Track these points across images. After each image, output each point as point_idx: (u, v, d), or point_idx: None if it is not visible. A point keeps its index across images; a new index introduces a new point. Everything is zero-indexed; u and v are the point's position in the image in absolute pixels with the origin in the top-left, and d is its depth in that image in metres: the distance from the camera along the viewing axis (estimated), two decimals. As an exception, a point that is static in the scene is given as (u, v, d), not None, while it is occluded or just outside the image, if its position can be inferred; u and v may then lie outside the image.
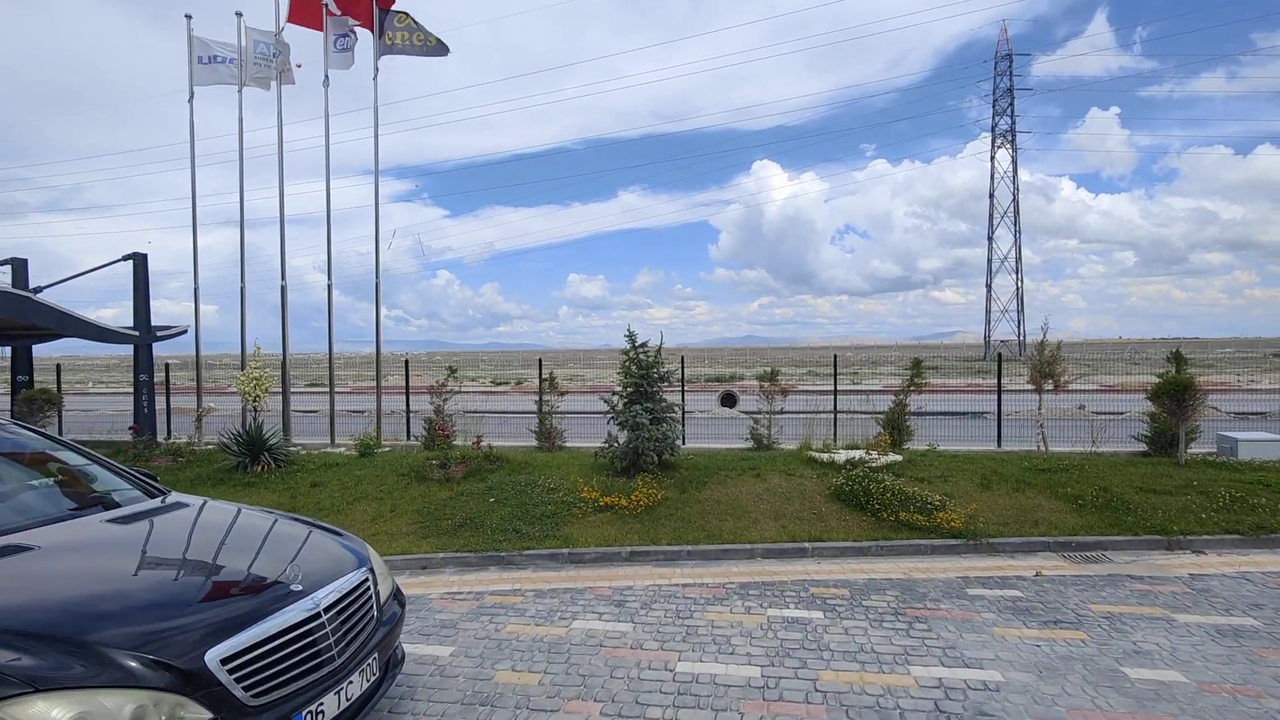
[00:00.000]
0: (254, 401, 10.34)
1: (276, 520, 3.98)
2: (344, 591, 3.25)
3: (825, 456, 9.33)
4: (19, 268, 14.91)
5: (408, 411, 14.54)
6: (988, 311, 62.95)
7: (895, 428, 11.81)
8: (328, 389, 14.61)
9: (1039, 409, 11.62)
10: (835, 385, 13.20)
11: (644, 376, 8.99)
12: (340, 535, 3.93)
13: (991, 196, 63.39)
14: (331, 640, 3.00)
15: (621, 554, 6.75)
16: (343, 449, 11.74)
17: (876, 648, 4.51)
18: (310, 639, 2.89)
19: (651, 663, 4.33)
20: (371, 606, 3.45)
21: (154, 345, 14.85)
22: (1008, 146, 63.56)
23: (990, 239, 63.06)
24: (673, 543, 6.98)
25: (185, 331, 15.82)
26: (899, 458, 9.40)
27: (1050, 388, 11.15)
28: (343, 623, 3.14)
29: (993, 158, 63.88)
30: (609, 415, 8.98)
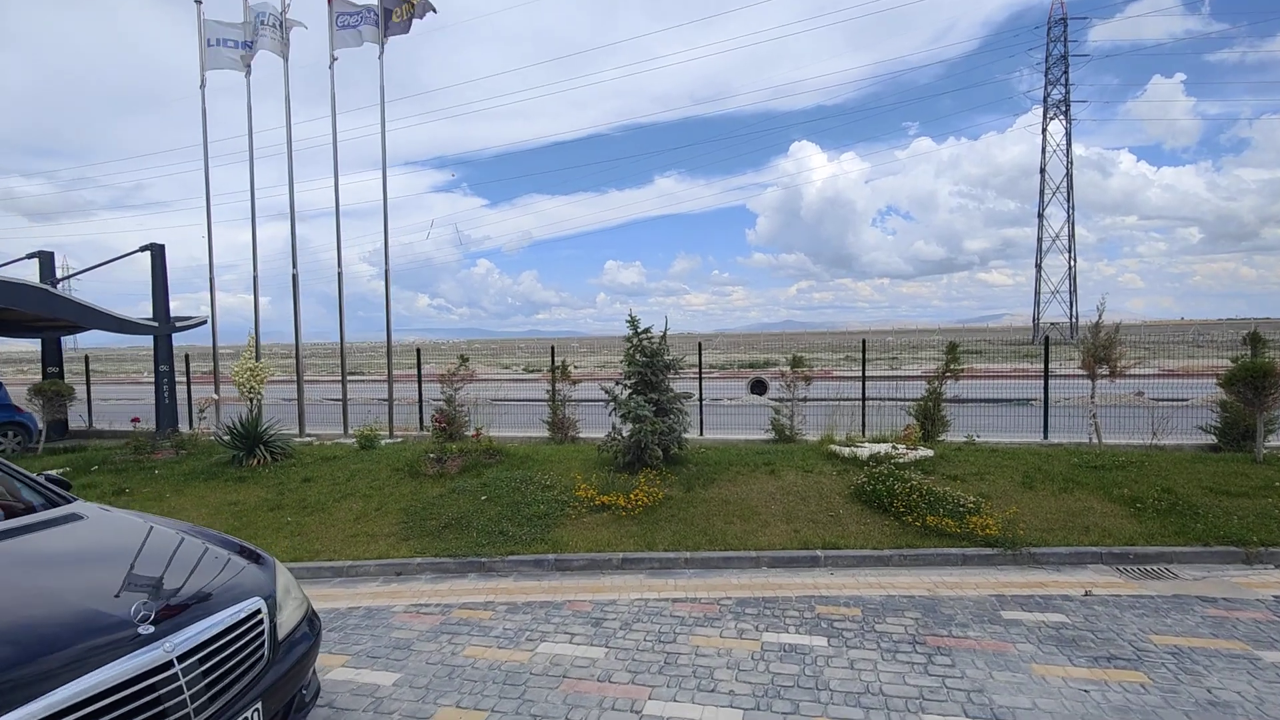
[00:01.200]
0: (249, 393, 10.02)
1: (182, 539, 3.45)
2: (218, 630, 2.69)
3: (847, 451, 8.53)
4: (46, 261, 15.02)
5: (420, 401, 14.18)
6: (1037, 293, 60.05)
7: (928, 418, 10.88)
8: (347, 378, 14.35)
9: (1092, 396, 10.55)
10: (864, 372, 12.30)
11: (648, 365, 8.32)
12: (247, 556, 3.39)
13: (1043, 172, 60.20)
14: (187, 696, 2.45)
15: (612, 561, 6.13)
16: (352, 440, 11.41)
17: (886, 688, 3.79)
18: (152, 698, 2.34)
19: (616, 701, 3.70)
20: (261, 644, 2.89)
21: (177, 336, 14.83)
22: (1061, 118, 60.19)
23: (1041, 217, 59.97)
24: (671, 548, 6.33)
25: (205, 321, 15.76)
26: (930, 452, 8.53)
27: (1105, 373, 10.07)
28: (209, 670, 2.59)
29: (1044, 130, 60.60)
30: (610, 406, 8.34)
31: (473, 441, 9.39)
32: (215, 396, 12.43)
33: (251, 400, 10.19)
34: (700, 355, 13.16)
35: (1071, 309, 58.43)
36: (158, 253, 14.81)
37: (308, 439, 13.12)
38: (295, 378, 14.27)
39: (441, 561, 6.15)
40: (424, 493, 7.88)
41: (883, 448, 8.70)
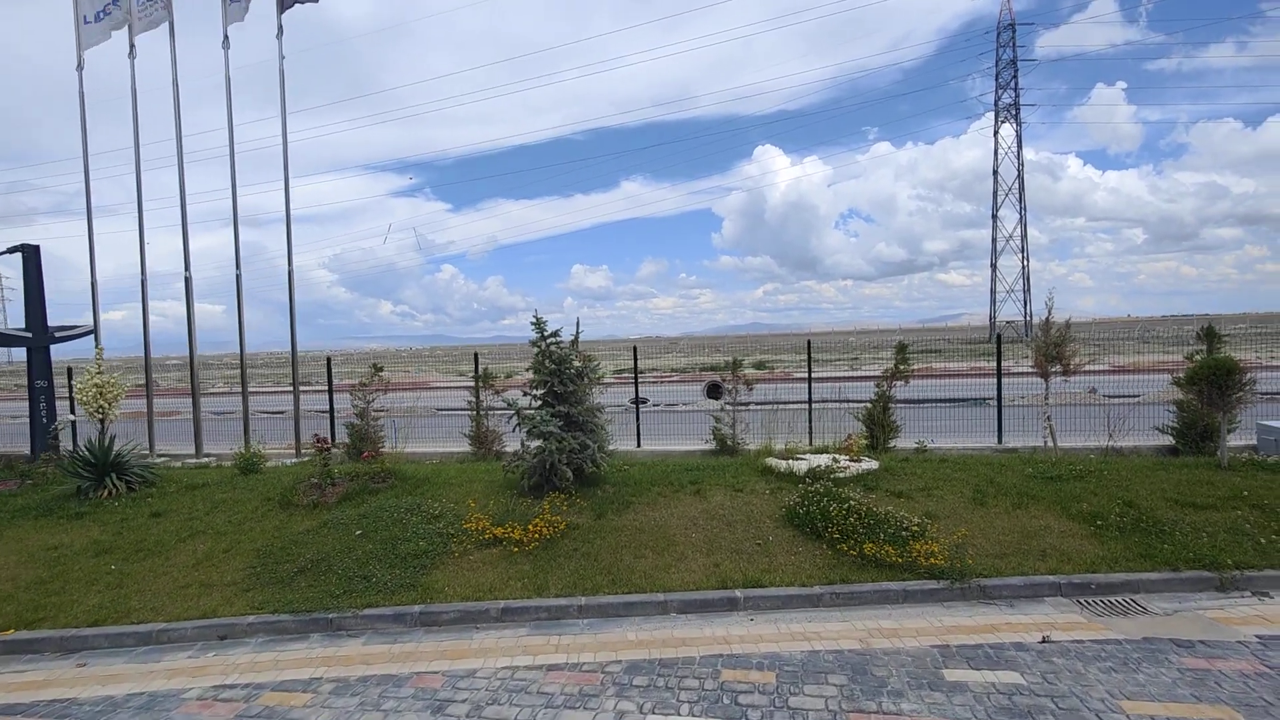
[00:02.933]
0: (97, 413, 8.70)
1: None
2: None
3: (784, 465, 7.63)
4: (31, 256, 12.84)
5: (331, 416, 12.90)
6: (993, 292, 60.80)
7: (876, 424, 10.12)
8: (240, 390, 12.98)
9: (1045, 397, 9.89)
10: (809, 375, 11.48)
11: (555, 373, 7.29)
12: None
13: (995, 174, 61.05)
14: None
15: (490, 612, 5.09)
16: (230, 463, 10.13)
17: (788, 807, 2.84)
18: None
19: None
20: None
21: (68, 347, 13.24)
22: (1012, 122, 61.13)
23: (994, 218, 60.78)
24: (564, 592, 5.32)
25: (91, 332, 14.19)
26: (874, 464, 7.69)
27: (1058, 371, 9.41)
28: None
29: (996, 133, 61.47)
30: (514, 420, 7.28)
31: (364, 463, 8.23)
32: (72, 416, 10.98)
33: (102, 422, 8.84)
34: (636, 359, 12.20)
35: (1026, 307, 59.24)
36: (30, 255, 13.15)
37: (205, 459, 11.79)
38: (192, 393, 12.86)
39: (279, 620, 5.02)
40: (290, 528, 6.72)
41: (824, 460, 7.83)
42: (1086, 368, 13.63)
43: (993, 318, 61.42)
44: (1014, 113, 61.35)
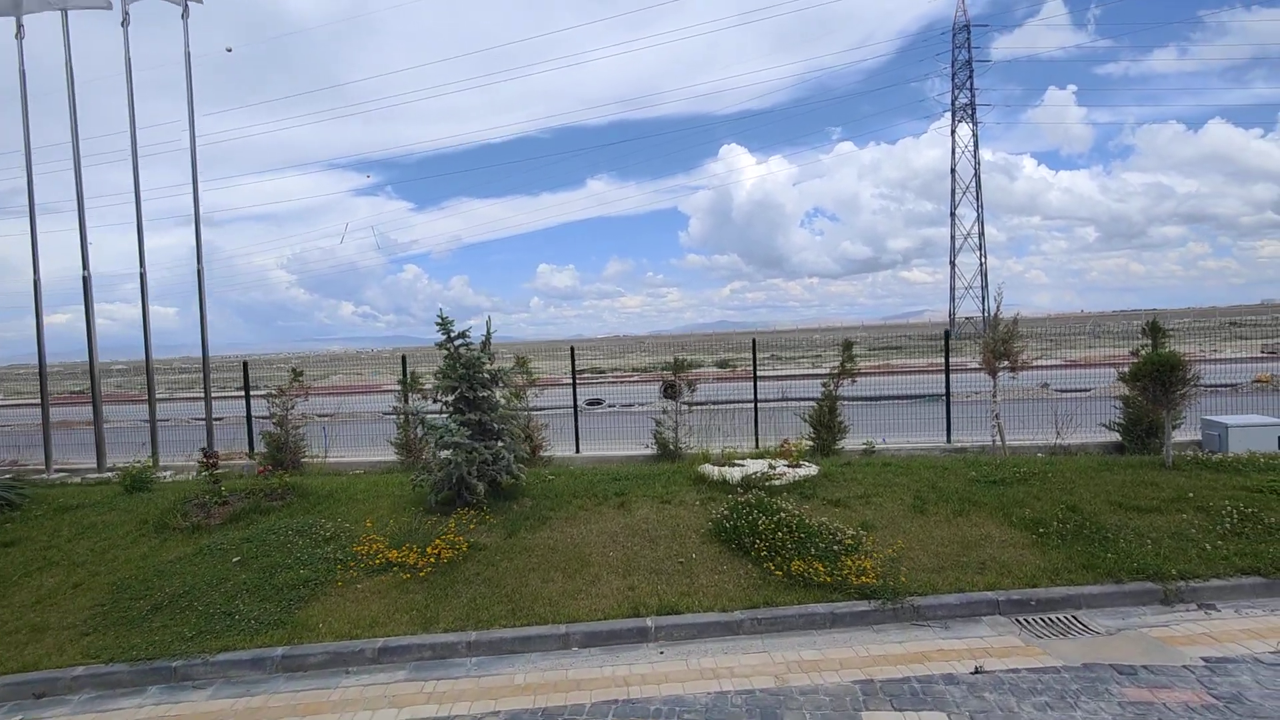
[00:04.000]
0: None
1: None
2: None
3: (718, 473, 7.13)
4: None
5: (249, 424, 11.99)
6: (952, 289, 61.63)
7: (823, 425, 9.71)
8: (149, 396, 12.00)
9: (994, 395, 9.59)
10: (754, 373, 11.02)
11: (464, 378, 6.66)
12: None
13: (953, 172, 61.84)
14: None
15: (366, 652, 4.46)
16: (112, 478, 9.24)
17: None
18: None
19: None
20: None
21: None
22: (968, 121, 62.02)
23: (953, 215, 61.61)
24: (455, 625, 4.71)
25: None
26: (813, 470, 7.24)
27: (1006, 367, 9.11)
28: None
29: (953, 132, 62.22)
30: (414, 426, 6.61)
31: (260, 479, 7.48)
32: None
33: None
34: (573, 360, 11.61)
35: (984, 304, 60.18)
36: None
37: (107, 474, 10.80)
38: (93, 400, 11.84)
39: (112, 671, 4.31)
40: (159, 556, 5.96)
41: (761, 466, 7.36)
42: (1038, 363, 13.54)
43: (952, 314, 62.37)
44: (970, 113, 62.23)
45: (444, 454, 6.49)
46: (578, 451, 10.98)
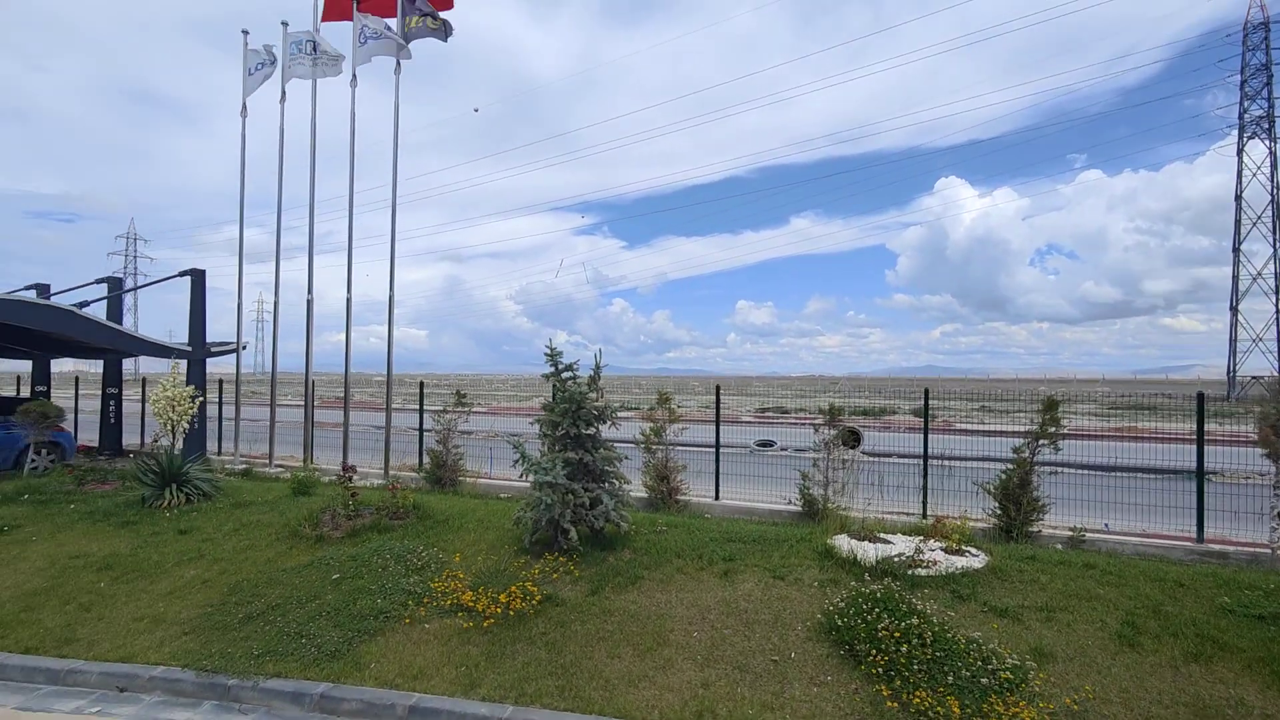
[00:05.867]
0: (167, 424, 9.11)
1: None
2: None
3: (847, 548, 5.88)
4: (198, 279, 14.95)
5: (420, 439, 12.87)
6: (1232, 341, 49.85)
7: (1010, 499, 7.85)
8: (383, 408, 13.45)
9: (1276, 486, 7.04)
10: (925, 425, 9.31)
11: (567, 413, 6.25)
12: None
13: (1239, 200, 50.48)
14: None
15: (398, 708, 4.09)
16: (283, 476, 10.22)
17: None
18: None
19: None
20: None
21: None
22: (1262, 137, 50.52)
23: (1236, 252, 50.13)
24: (496, 693, 4.19)
25: (246, 347, 15.71)
26: (979, 560, 5.68)
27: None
28: None
29: (1240, 152, 50.99)
30: (520, 466, 6.29)
31: (391, 495, 7.72)
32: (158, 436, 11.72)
33: (173, 432, 9.27)
34: (718, 400, 10.78)
35: (1280, 360, 47.85)
36: (198, 279, 14.87)
37: (277, 469, 12.19)
38: (305, 404, 13.56)
39: (181, 679, 4.42)
40: (281, 563, 6.28)
41: (912, 543, 5.97)
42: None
43: (1231, 371, 50.43)
44: (1267, 125, 50.66)
45: (537, 494, 6.11)
46: (717, 498, 10.12)
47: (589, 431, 6.31)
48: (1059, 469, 8.93)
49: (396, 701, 4.10)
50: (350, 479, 7.70)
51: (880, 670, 4.14)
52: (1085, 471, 10.35)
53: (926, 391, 9.48)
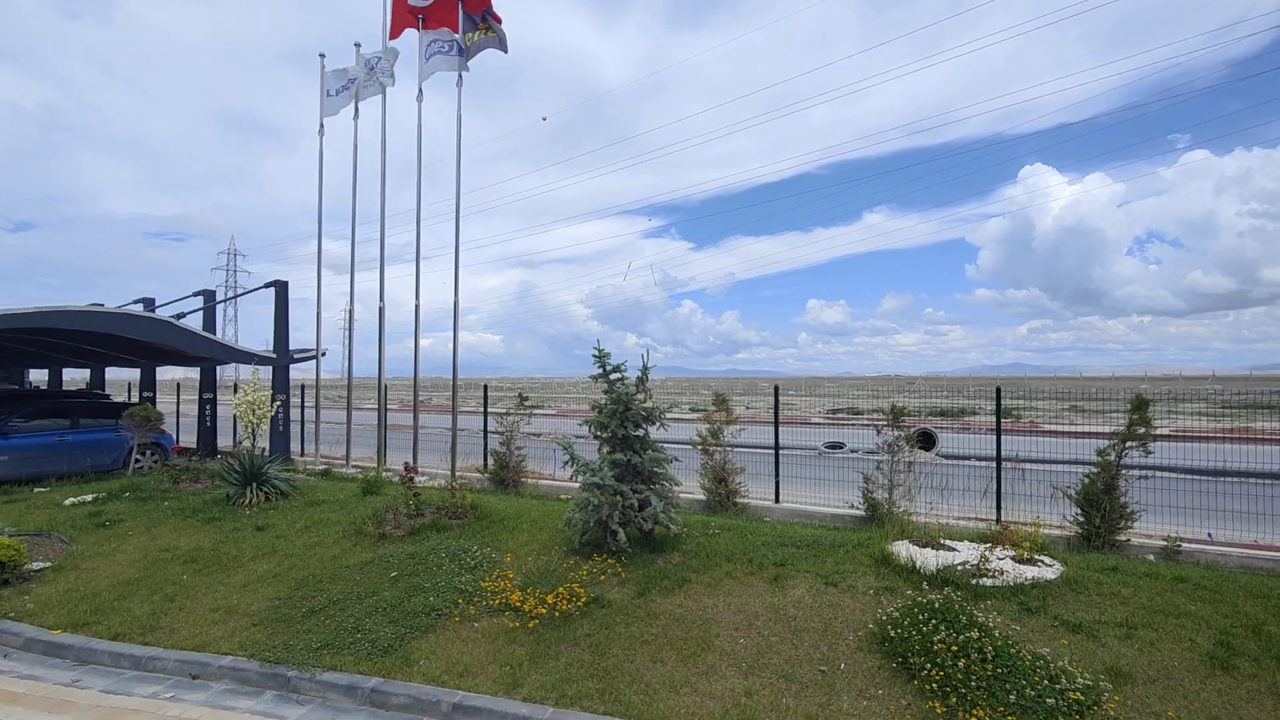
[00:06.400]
0: (248, 426, 9.67)
1: None
2: None
3: (905, 555, 5.60)
4: (281, 291, 16.10)
5: (485, 440, 13.20)
6: (1367, 329, 44.81)
7: (1093, 505, 7.30)
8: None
9: None
10: (998, 425, 8.75)
11: (615, 414, 6.24)
12: None
13: (1370, 170, 45.34)
14: None
15: (443, 705, 4.18)
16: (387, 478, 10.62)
17: None
18: None
19: None
20: None
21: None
22: (1399, 98, 45.11)
23: (1369, 228, 44.98)
24: (536, 694, 4.21)
25: (326, 353, 16.57)
26: (1052, 571, 5.30)
27: None
28: None
29: (1371, 117, 45.81)
30: (568, 464, 6.33)
31: (451, 496, 7.93)
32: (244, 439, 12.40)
33: (254, 434, 9.84)
34: (776, 400, 10.51)
35: None
36: (281, 290, 15.83)
37: (385, 473, 12.71)
38: (379, 407, 14.17)
39: (246, 669, 4.67)
40: (344, 559, 6.56)
41: (978, 552, 5.62)
42: None
43: (1368, 364, 45.23)
44: (1406, 89, 45.32)
45: (585, 495, 6.13)
46: (777, 501, 9.89)
47: (637, 433, 6.29)
48: (1152, 473, 8.21)
49: (442, 699, 4.19)
50: (411, 480, 7.97)
51: (935, 686, 3.91)
52: (1188, 477, 9.50)
53: (999, 390, 8.91)
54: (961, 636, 4.15)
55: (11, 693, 4.49)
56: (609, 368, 6.41)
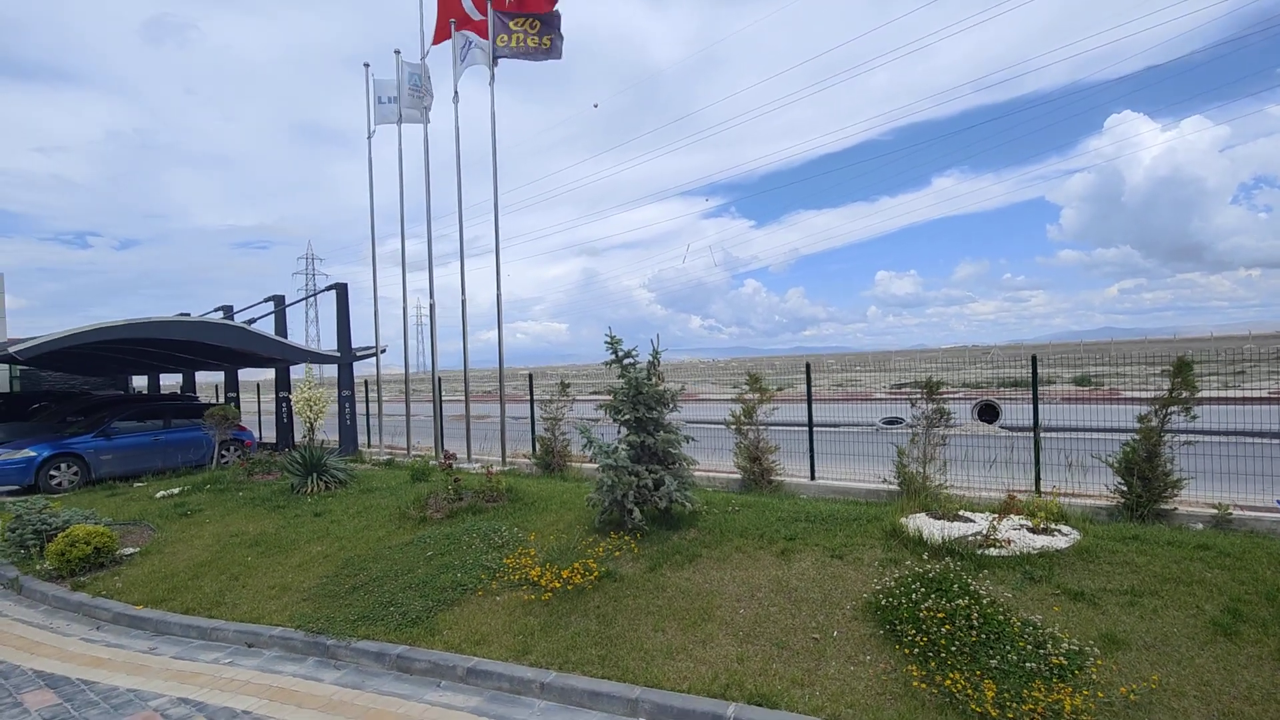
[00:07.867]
0: (306, 421, 10.42)
1: None
2: None
3: (913, 527, 5.61)
4: (342, 292, 17.25)
5: (532, 426, 13.72)
6: None
7: (1134, 473, 7.04)
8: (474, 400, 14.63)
9: None
10: (1034, 392, 8.47)
11: (629, 399, 6.48)
12: None
13: None
14: None
15: (459, 669, 4.57)
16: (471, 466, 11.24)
17: None
18: None
19: None
20: None
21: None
22: None
23: None
24: (542, 660, 4.54)
25: (385, 350, 17.50)
26: (1066, 540, 5.22)
27: None
28: None
29: None
30: (588, 449, 6.63)
31: (484, 479, 8.40)
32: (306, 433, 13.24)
33: (312, 427, 10.60)
34: (809, 378, 10.48)
35: None
36: (342, 292, 16.81)
37: (413, 458, 13.45)
38: (434, 398, 14.90)
39: (293, 637, 5.21)
40: (388, 540, 7.11)
41: (990, 523, 5.58)
42: None
43: None
44: None
45: (601, 476, 6.42)
46: (812, 478, 9.92)
47: (651, 415, 6.52)
48: (1197, 438, 7.71)
49: (458, 664, 4.58)
50: (450, 466, 8.48)
51: (918, 651, 4.00)
52: (1263, 441, 8.93)
53: (1034, 359, 8.61)
54: (950, 604, 4.21)
55: (98, 658, 5.19)
56: (621, 354, 6.65)
